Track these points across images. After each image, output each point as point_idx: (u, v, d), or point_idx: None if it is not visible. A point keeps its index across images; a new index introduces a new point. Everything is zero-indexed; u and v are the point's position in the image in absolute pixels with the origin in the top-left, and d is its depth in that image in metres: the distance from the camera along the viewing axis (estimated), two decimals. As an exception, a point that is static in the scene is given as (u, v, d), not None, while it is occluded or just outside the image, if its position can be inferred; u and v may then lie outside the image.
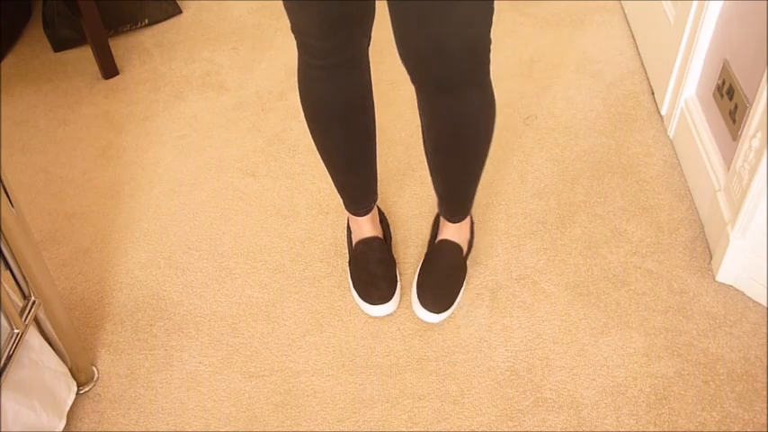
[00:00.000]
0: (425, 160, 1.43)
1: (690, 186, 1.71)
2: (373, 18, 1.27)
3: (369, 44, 1.30)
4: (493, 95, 1.28)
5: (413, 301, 1.51)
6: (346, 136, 1.39)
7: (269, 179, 1.83)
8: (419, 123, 1.35)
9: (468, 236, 1.57)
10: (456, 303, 1.51)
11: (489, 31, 1.15)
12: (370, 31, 1.28)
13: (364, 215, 1.55)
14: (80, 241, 1.73)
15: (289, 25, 1.25)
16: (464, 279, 1.54)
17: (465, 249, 1.55)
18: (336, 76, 1.29)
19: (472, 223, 1.60)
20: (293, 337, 1.50)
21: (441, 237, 1.54)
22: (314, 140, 1.42)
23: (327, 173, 1.53)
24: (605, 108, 1.94)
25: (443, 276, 1.49)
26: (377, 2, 1.27)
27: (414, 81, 1.24)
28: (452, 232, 1.53)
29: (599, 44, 2.14)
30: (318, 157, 1.87)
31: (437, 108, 1.26)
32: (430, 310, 1.47)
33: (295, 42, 1.28)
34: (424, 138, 1.38)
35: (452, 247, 1.53)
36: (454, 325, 1.50)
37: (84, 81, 2.20)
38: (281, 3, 1.21)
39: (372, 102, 1.39)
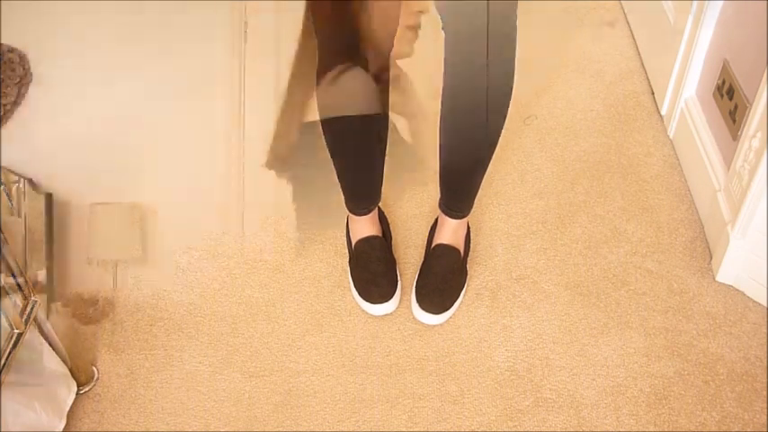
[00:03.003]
0: (435, 147, 1.42)
1: (690, 186, 1.71)
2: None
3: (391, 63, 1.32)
4: (513, 68, 1.36)
5: (412, 304, 1.51)
6: (359, 144, 1.41)
7: (269, 178, 1.83)
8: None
9: (465, 239, 1.57)
10: (456, 306, 1.51)
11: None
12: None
13: (365, 215, 1.55)
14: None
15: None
16: (464, 283, 1.54)
17: (462, 253, 1.55)
18: (358, 92, 1.31)
19: (468, 230, 1.61)
20: (293, 337, 1.50)
21: (438, 241, 1.54)
22: (326, 142, 1.43)
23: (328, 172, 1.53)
24: (605, 108, 1.94)
25: (442, 279, 1.49)
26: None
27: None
28: (450, 235, 1.53)
29: (599, 44, 2.14)
30: (318, 157, 1.87)
31: (462, 62, 1.30)
32: (429, 312, 1.47)
33: (317, 55, 1.29)
34: (442, 109, 1.39)
35: (450, 250, 1.52)
36: (454, 325, 1.50)
37: (84, 81, 2.20)
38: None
39: (388, 113, 1.41)
